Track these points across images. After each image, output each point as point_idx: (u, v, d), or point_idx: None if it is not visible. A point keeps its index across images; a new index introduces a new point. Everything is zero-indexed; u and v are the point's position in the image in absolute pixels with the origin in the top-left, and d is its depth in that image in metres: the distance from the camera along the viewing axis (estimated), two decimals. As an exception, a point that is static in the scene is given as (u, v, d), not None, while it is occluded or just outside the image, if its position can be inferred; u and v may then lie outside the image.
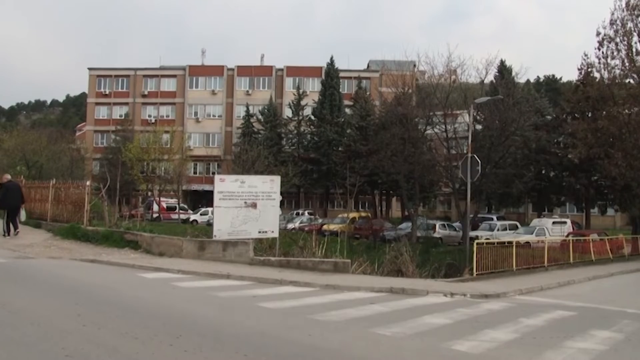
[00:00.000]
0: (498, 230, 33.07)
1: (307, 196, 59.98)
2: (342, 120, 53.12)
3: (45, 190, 22.73)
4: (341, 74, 58.33)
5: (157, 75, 67.25)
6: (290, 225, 35.52)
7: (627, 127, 27.86)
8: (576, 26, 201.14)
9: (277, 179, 16.92)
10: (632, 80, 28.45)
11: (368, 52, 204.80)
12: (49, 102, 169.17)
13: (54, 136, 51.76)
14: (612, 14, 28.09)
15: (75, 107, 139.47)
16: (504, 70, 44.39)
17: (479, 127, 34.62)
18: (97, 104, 67.33)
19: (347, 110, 54.24)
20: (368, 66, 70.72)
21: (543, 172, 43.01)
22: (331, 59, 56.74)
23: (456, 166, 27.89)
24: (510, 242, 18.17)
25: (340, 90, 56.64)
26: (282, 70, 66.40)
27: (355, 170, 38.14)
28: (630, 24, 27.67)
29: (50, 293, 9.90)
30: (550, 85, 75.16)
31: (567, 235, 27.39)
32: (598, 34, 28.39)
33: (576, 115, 37.02)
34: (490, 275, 16.02)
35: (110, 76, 67.42)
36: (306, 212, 49.11)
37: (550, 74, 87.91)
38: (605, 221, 47.03)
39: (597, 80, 30.72)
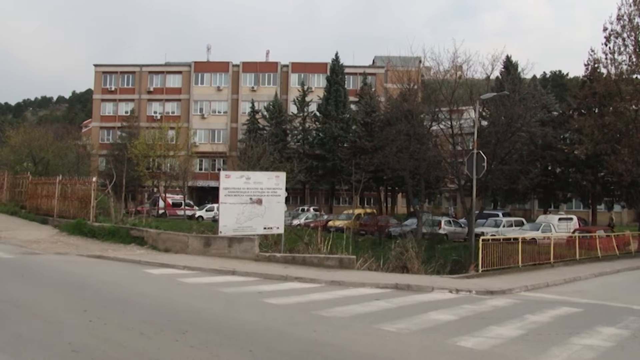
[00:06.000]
0: (504, 226, 32.93)
1: (313, 192, 59.99)
2: (348, 116, 53.02)
3: (52, 187, 22.83)
4: (346, 70, 58.18)
5: (162, 72, 67.26)
6: (295, 222, 35.44)
7: (634, 123, 27.67)
8: (583, 22, 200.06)
9: (282, 175, 16.95)
10: (639, 76, 28.25)
11: (373, 48, 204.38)
12: (55, 98, 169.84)
13: (60, 132, 51.68)
14: (619, 9, 27.87)
15: (81, 103, 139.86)
16: (510, 66, 44.15)
17: (484, 123, 34.43)
18: (103, 100, 67.51)
19: (353, 107, 54.11)
20: (373, 62, 70.54)
21: (549, 168, 42.81)
22: (336, 55, 56.65)
23: (462, 162, 27.74)
24: (516, 239, 18.11)
25: (346, 86, 56.43)
26: (287, 66, 66.29)
27: (360, 166, 38.03)
28: (637, 19, 27.44)
29: (56, 289, 9.97)
30: (556, 81, 74.88)
31: (573, 232, 27.29)
32: (605, 29, 28.18)
33: (583, 111, 36.76)
34: (496, 272, 16.01)
35: (116, 73, 67.57)
36: (311, 209, 49.09)
37: (557, 70, 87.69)
38: (612, 218, 46.80)
39: (604, 76, 30.48)
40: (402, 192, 51.56)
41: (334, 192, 54.39)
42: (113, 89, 66.79)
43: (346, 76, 57.76)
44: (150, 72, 67.30)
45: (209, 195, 55.69)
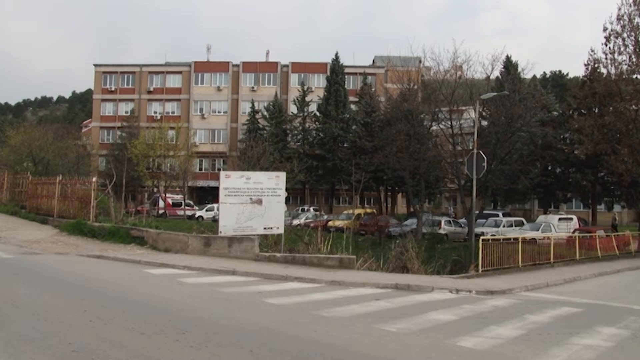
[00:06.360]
0: (504, 226, 32.93)
1: (313, 192, 59.99)
2: (348, 116, 53.01)
3: (52, 187, 22.82)
4: (346, 70, 58.17)
5: (162, 72, 67.30)
6: (295, 222, 35.41)
7: (634, 123, 27.67)
8: (583, 22, 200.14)
9: (282, 175, 16.94)
10: (639, 76, 28.25)
11: (373, 48, 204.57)
12: (55, 98, 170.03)
13: (60, 132, 51.61)
14: (619, 9, 27.89)
15: (81, 103, 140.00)
16: (510, 66, 44.08)
17: (484, 123, 34.42)
18: (103, 100, 67.54)
19: (352, 107, 54.10)
20: (373, 62, 70.53)
21: (549, 168, 42.80)
22: (336, 55, 56.61)
23: (462, 162, 27.74)
24: (516, 239, 18.11)
25: (346, 86, 56.41)
26: (287, 66, 66.30)
27: (360, 166, 38.03)
28: (637, 19, 27.44)
29: (56, 289, 9.96)
30: (556, 81, 74.79)
31: (573, 232, 27.28)
32: (605, 29, 28.18)
33: (583, 111, 36.79)
34: (496, 272, 16.00)
35: (116, 72, 67.58)
36: (311, 209, 49.07)
37: (557, 70, 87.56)
38: (611, 218, 46.82)
39: (604, 76, 30.48)
40: (402, 192, 51.56)
41: (334, 192, 54.37)
42: (113, 89, 66.81)
43: (346, 76, 57.74)
44: (150, 72, 67.32)
45: (209, 195, 55.70)
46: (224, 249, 15.80)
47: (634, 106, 28.25)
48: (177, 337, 6.58)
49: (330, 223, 35.31)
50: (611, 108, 29.48)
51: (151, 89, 66.43)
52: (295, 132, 55.43)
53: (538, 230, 29.81)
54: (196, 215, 44.85)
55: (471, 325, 8.43)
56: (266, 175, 17.04)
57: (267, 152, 38.14)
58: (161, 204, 47.75)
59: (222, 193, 15.56)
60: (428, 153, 33.41)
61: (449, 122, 31.21)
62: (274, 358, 6.06)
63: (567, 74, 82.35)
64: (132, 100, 66.25)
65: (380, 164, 37.29)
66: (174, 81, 67.02)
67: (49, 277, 11.30)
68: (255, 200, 15.79)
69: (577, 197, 45.17)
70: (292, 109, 58.05)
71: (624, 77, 28.10)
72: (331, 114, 52.23)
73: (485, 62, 60.07)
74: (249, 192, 15.77)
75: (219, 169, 54.18)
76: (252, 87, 65.40)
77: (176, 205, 49.05)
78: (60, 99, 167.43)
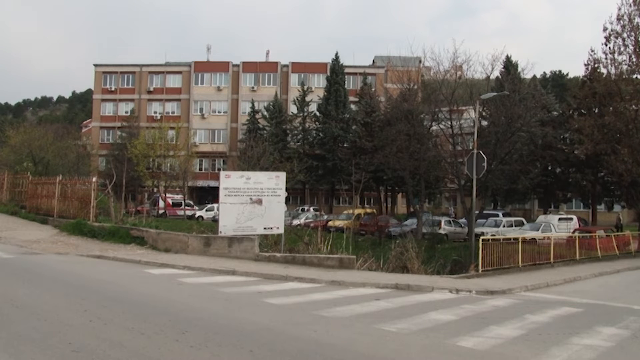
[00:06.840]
0: (504, 226, 32.93)
1: (313, 192, 59.96)
2: (348, 116, 52.97)
3: (52, 187, 22.82)
4: (346, 70, 58.13)
5: (162, 72, 67.27)
6: (295, 222, 35.40)
7: (634, 123, 27.67)
8: (583, 22, 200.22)
9: (282, 175, 16.93)
10: (639, 76, 28.26)
11: (373, 48, 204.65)
12: (55, 98, 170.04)
13: (60, 132, 51.58)
14: (619, 9, 27.91)
15: (81, 103, 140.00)
16: (510, 66, 44.04)
17: (484, 123, 34.41)
18: (103, 100, 67.52)
19: (353, 107, 54.05)
20: (373, 62, 70.49)
21: (549, 168, 42.80)
22: (336, 55, 56.55)
23: (462, 162, 27.73)
24: (516, 239, 18.10)
25: (346, 86, 56.35)
26: (287, 66, 66.28)
27: (360, 166, 38.01)
28: (637, 19, 27.46)
29: (56, 289, 9.96)
30: (556, 81, 74.71)
31: (573, 232, 27.28)
32: (605, 29, 28.19)
33: (583, 111, 36.80)
34: (496, 272, 16.00)
35: (116, 72, 67.57)
36: (311, 209, 49.03)
37: (557, 70, 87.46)
38: (612, 218, 46.77)
39: (604, 76, 30.49)
40: (402, 192, 51.53)
41: (334, 192, 54.34)
42: (113, 89, 66.81)
43: (346, 76, 57.69)
44: (150, 72, 67.31)
45: (209, 195, 55.69)
46: (224, 249, 15.81)
47: (634, 106, 28.25)
48: (177, 337, 6.58)
49: (330, 223, 35.27)
50: (611, 108, 29.48)
51: (151, 89, 66.42)
52: (295, 132, 55.39)
53: (538, 230, 29.79)
54: (196, 215, 44.83)
55: (471, 325, 8.43)
56: (266, 175, 17.03)
57: (267, 152, 38.11)
58: (161, 204, 47.73)
59: (222, 193, 15.56)
60: (428, 153, 33.39)
61: (449, 122, 31.18)
62: (274, 358, 6.06)
63: (567, 74, 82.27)
64: (132, 100, 66.23)
65: (380, 164, 37.27)
66: (174, 81, 67.01)
67: (49, 277, 11.30)
68: (255, 200, 15.79)
69: (577, 197, 45.16)
70: (292, 109, 58.00)
71: (624, 77, 28.10)
72: (331, 114, 52.20)
73: (485, 62, 60.12)
74: (249, 192, 15.77)
75: (219, 169, 54.18)
76: (252, 87, 65.39)
77: (176, 205, 49.04)
78: (60, 99, 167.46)
